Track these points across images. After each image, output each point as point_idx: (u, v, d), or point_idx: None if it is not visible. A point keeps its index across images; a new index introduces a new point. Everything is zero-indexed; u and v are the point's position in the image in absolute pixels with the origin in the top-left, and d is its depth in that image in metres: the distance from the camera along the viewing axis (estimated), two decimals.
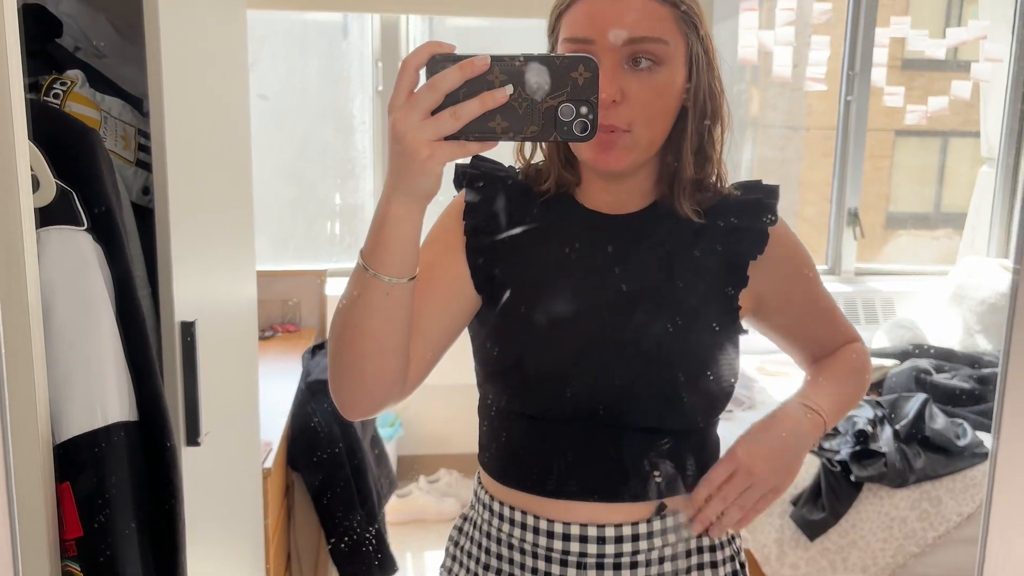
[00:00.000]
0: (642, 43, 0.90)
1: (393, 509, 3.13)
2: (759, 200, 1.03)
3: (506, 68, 0.72)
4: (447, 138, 0.73)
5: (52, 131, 0.96)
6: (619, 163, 0.94)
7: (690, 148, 0.97)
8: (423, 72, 0.74)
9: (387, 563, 2.38)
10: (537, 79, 0.73)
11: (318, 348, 2.66)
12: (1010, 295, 0.48)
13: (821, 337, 1.12)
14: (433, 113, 0.72)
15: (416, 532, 3.12)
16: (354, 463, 2.31)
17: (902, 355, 3.12)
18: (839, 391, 1.08)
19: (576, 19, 0.93)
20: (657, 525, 1.00)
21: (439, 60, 0.72)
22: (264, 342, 2.81)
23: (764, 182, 1.05)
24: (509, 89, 0.72)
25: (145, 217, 1.18)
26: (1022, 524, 0.49)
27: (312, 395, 2.32)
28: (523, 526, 1.01)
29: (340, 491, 2.26)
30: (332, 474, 2.25)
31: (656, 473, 0.99)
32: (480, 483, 1.08)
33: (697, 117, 0.97)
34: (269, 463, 1.95)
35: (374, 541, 2.33)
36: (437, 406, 3.19)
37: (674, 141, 0.99)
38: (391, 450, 3.14)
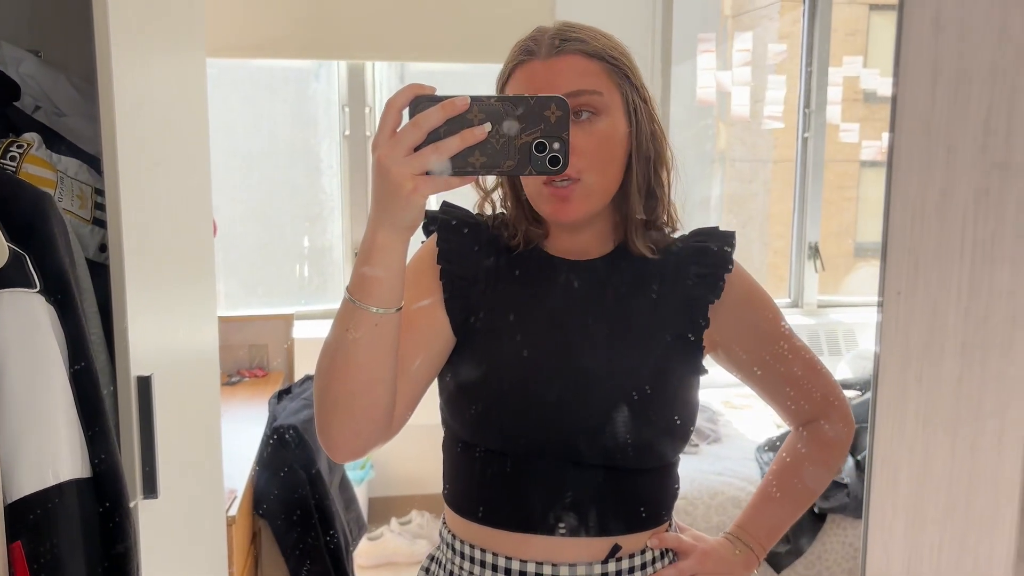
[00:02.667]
0: (578, 96, 0.97)
1: (365, 552, 3.12)
2: (714, 247, 1.08)
3: (484, 107, 0.78)
4: (429, 172, 0.78)
5: (5, 196, 0.99)
6: (576, 212, 1.00)
7: (637, 191, 1.03)
8: (406, 112, 0.79)
9: None
10: (513, 117, 0.78)
11: (284, 392, 2.67)
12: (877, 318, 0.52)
13: (799, 383, 1.13)
14: (416, 149, 0.78)
15: (388, 575, 3.11)
16: (321, 507, 2.31)
17: (864, 385, 3.18)
18: (787, 515, 1.16)
19: (518, 83, 1.00)
20: (612, 567, 1.03)
21: (422, 100, 0.78)
22: (232, 387, 2.81)
23: (721, 228, 1.10)
24: (487, 127, 0.78)
25: (102, 274, 1.20)
26: (898, 531, 0.52)
27: (279, 440, 2.33)
28: (482, 563, 1.04)
29: (307, 536, 2.26)
30: (299, 519, 2.25)
31: (609, 513, 1.03)
32: (444, 522, 1.11)
33: (641, 161, 1.03)
34: (234, 511, 1.95)
35: None
36: (408, 447, 3.19)
37: (624, 187, 1.04)
38: (362, 492, 3.14)
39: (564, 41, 0.99)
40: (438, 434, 1.10)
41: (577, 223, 1.03)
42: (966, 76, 0.49)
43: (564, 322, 1.04)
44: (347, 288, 0.88)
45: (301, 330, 3.14)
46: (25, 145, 1.16)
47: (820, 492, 1.17)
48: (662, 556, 1.08)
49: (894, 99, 0.51)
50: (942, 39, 0.49)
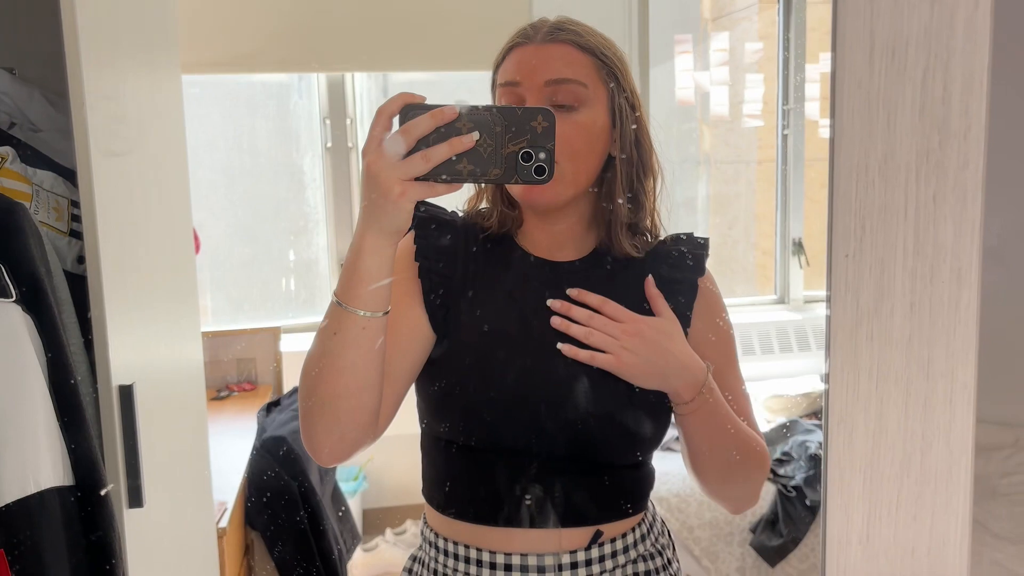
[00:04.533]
0: (562, 84, 0.99)
1: (360, 564, 3.11)
2: (689, 252, 1.10)
3: (473, 116, 0.80)
4: (417, 179, 0.80)
5: None
6: (546, 197, 1.02)
7: (622, 193, 1.05)
8: (395, 120, 0.81)
9: None
10: (501, 127, 0.80)
11: (273, 405, 2.67)
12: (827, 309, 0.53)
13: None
14: (405, 156, 0.80)
15: None
16: (313, 520, 2.31)
17: None
18: (733, 424, 1.05)
19: (508, 66, 1.03)
20: (595, 552, 1.04)
21: (412, 108, 0.80)
22: (220, 402, 2.81)
23: (701, 232, 1.13)
24: (476, 135, 0.80)
25: (81, 285, 1.21)
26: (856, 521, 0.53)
27: (268, 452, 2.33)
28: (466, 560, 1.05)
29: (299, 548, 2.26)
30: (291, 532, 2.25)
31: (589, 504, 1.03)
32: (425, 521, 1.12)
33: (625, 165, 1.04)
34: (224, 522, 1.95)
35: None
36: (400, 458, 3.19)
37: (607, 187, 1.06)
38: (356, 504, 3.13)
39: (559, 30, 1.02)
40: None
41: (546, 208, 1.05)
42: (902, 41, 0.50)
43: (540, 324, 1.05)
44: (335, 292, 0.89)
45: (288, 343, 3.14)
46: (0, 159, 1.17)
47: (751, 467, 1.09)
48: (643, 539, 1.09)
49: (833, 70, 0.52)
50: (877, 7, 0.51)
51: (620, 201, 1.05)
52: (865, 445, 0.53)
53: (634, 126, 1.05)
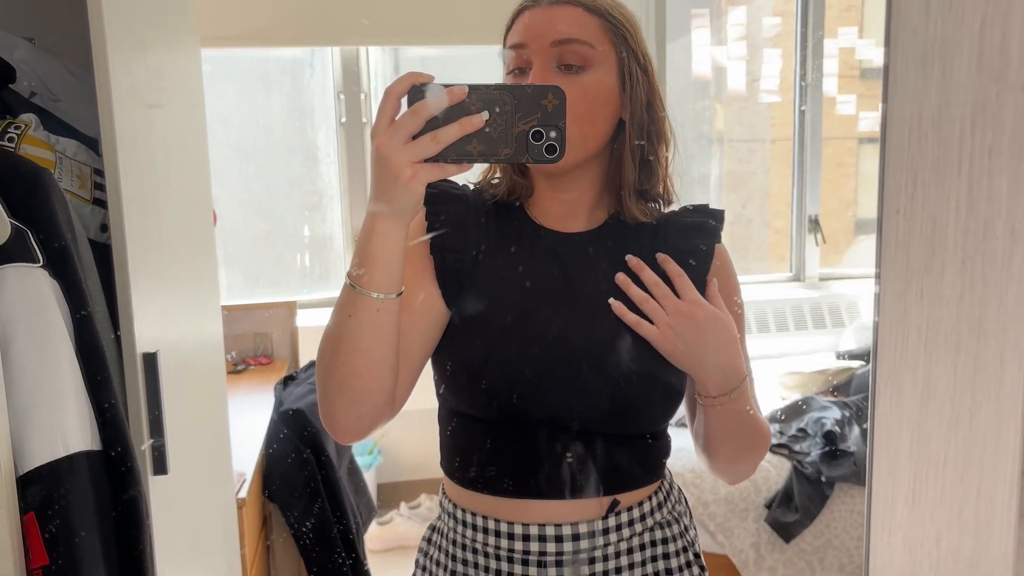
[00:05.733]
0: (568, 44, 0.98)
1: (375, 537, 3.14)
2: (705, 223, 1.09)
3: (482, 96, 0.79)
4: (427, 160, 0.79)
5: (5, 173, 0.99)
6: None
7: (631, 158, 1.03)
8: (404, 101, 0.80)
9: None
10: (510, 106, 0.79)
11: (289, 379, 2.67)
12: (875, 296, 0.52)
13: None
14: (414, 137, 0.79)
15: (399, 559, 3.13)
16: (330, 492, 2.32)
17: (867, 356, 3.19)
18: (751, 417, 1.05)
19: (516, 30, 1.02)
20: (612, 521, 1.04)
21: (420, 89, 0.79)
22: (238, 375, 2.82)
23: (720, 205, 1.11)
24: (485, 115, 0.79)
25: (104, 254, 1.20)
26: (899, 511, 0.53)
27: (285, 425, 2.34)
28: (484, 530, 1.05)
29: (317, 520, 2.27)
30: (308, 504, 2.26)
31: (607, 474, 1.03)
32: (444, 492, 1.12)
33: (635, 129, 1.03)
34: (243, 493, 1.96)
35: (354, 568, 2.34)
36: (415, 432, 3.22)
37: (616, 152, 1.04)
38: (371, 478, 3.15)
39: None
40: None
41: (558, 171, 1.04)
42: None
43: (553, 294, 1.04)
44: (348, 274, 0.89)
45: (304, 319, 3.15)
46: (23, 126, 1.16)
47: (759, 446, 1.09)
48: (660, 507, 1.09)
49: (888, 18, 0.51)
50: None
51: (629, 165, 1.03)
52: (913, 404, 0.52)
53: (645, 89, 1.03)
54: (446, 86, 0.78)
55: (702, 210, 1.11)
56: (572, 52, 0.98)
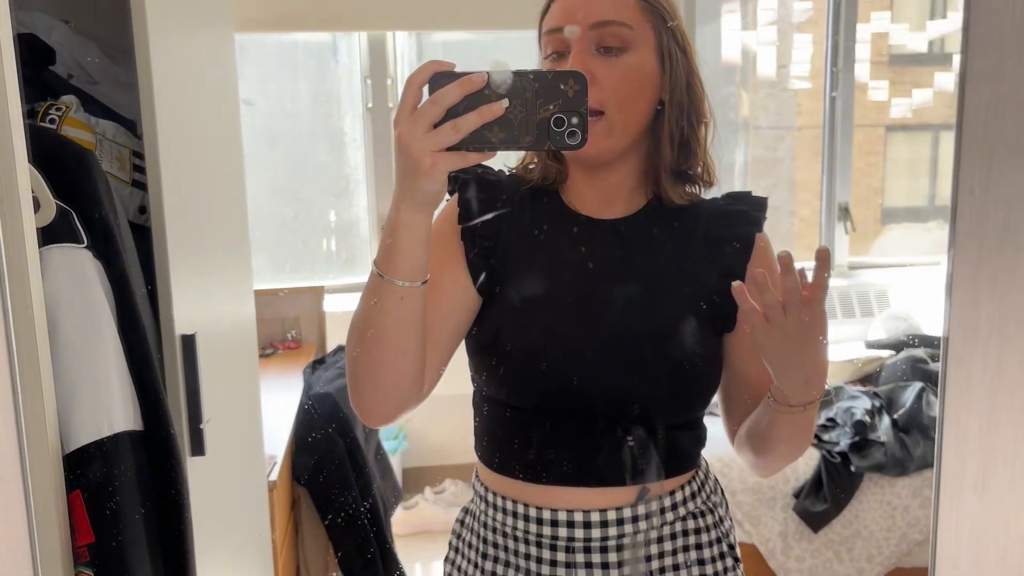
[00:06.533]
0: (606, 27, 0.96)
1: (400, 521, 3.15)
2: (748, 211, 1.07)
3: (502, 83, 0.78)
4: (448, 149, 0.79)
5: (50, 154, 1.00)
6: (595, 147, 0.98)
7: (669, 139, 1.01)
8: (426, 89, 0.79)
9: (394, 572, 2.40)
10: (531, 93, 0.78)
11: (318, 363, 2.69)
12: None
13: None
14: (436, 126, 0.79)
15: (424, 543, 3.14)
16: (358, 475, 2.34)
17: (898, 346, 3.15)
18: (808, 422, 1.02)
19: (552, 14, 1.00)
20: (641, 509, 1.04)
21: (440, 77, 0.78)
22: (265, 359, 2.84)
23: (753, 193, 1.09)
24: (505, 103, 0.78)
25: (143, 236, 1.21)
26: (968, 488, 0.52)
27: (314, 409, 2.35)
28: (514, 514, 1.05)
29: (345, 504, 2.28)
30: (337, 487, 2.28)
31: (642, 462, 1.03)
32: (477, 476, 1.12)
33: (675, 110, 1.01)
34: (274, 476, 1.97)
35: (381, 551, 2.35)
36: (440, 417, 3.22)
37: (655, 134, 1.03)
38: (396, 463, 3.17)
39: None
40: (470, 404, 1.12)
41: (597, 162, 1.02)
42: None
43: (587, 280, 1.03)
44: (374, 262, 0.89)
45: (331, 303, 3.16)
46: (64, 107, 1.17)
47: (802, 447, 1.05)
48: (693, 496, 1.08)
49: None
50: None
51: (667, 147, 1.01)
52: (983, 389, 0.51)
53: (684, 70, 1.01)
54: (466, 74, 0.78)
55: (744, 198, 1.09)
56: (611, 34, 0.97)
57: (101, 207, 1.01)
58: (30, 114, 1.19)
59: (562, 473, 1.02)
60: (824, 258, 0.88)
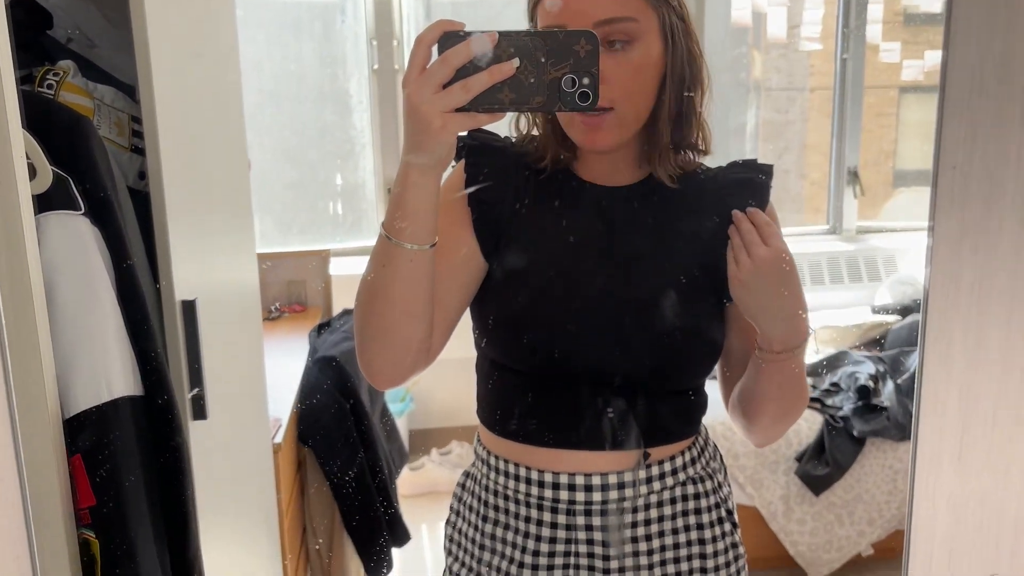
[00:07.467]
0: (611, 24, 0.94)
1: (407, 482, 3.19)
2: (753, 178, 1.07)
3: (513, 43, 0.77)
4: (458, 110, 0.78)
5: (46, 120, 1.00)
6: (607, 142, 0.99)
7: (668, 114, 1.01)
8: (435, 49, 0.79)
9: (400, 532, 2.44)
10: (541, 53, 0.77)
11: (324, 326, 2.70)
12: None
13: None
14: (445, 87, 0.78)
15: (430, 504, 3.18)
16: (363, 436, 2.36)
17: (904, 311, 3.15)
18: (802, 379, 1.05)
19: (550, 9, 0.97)
20: (642, 473, 1.05)
21: (450, 37, 0.78)
22: (271, 323, 2.86)
23: (760, 160, 1.09)
24: (516, 63, 0.77)
25: (142, 201, 1.21)
26: (946, 455, 0.52)
27: (320, 372, 2.37)
28: (516, 477, 1.06)
29: (351, 465, 2.31)
30: (342, 449, 2.30)
31: (643, 427, 1.04)
32: (479, 439, 1.14)
33: (675, 83, 1.00)
34: (279, 438, 2.00)
35: (387, 512, 2.38)
36: (447, 380, 3.24)
37: (655, 110, 1.02)
38: (403, 425, 3.20)
39: None
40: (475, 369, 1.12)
41: (609, 151, 1.02)
42: None
43: (593, 246, 1.04)
44: (382, 225, 0.89)
45: (337, 267, 3.16)
46: (61, 73, 1.17)
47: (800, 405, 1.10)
48: (693, 462, 1.09)
49: None
50: None
51: (664, 122, 1.01)
52: (962, 361, 0.52)
53: (685, 40, 1.00)
54: (476, 33, 0.77)
55: (750, 165, 1.09)
56: (617, 31, 0.94)
57: (98, 174, 1.02)
58: (27, 80, 1.18)
59: (562, 437, 1.04)
60: (756, 216, 0.98)
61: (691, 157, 1.07)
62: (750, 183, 1.06)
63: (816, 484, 2.59)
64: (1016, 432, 0.51)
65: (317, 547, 2.35)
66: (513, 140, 1.11)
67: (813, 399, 2.71)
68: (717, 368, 1.13)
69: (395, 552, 2.48)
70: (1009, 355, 0.51)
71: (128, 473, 0.98)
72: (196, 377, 1.25)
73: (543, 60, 0.78)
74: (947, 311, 0.51)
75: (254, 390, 1.77)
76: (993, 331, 0.51)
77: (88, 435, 0.95)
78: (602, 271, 1.03)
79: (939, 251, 0.50)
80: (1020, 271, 0.50)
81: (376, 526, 2.35)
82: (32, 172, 0.95)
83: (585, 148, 1.02)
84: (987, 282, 0.51)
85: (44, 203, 0.96)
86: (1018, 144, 0.49)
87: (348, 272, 3.13)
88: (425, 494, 3.24)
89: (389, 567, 2.44)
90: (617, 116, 0.97)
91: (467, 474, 1.18)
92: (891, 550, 2.70)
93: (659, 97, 1.00)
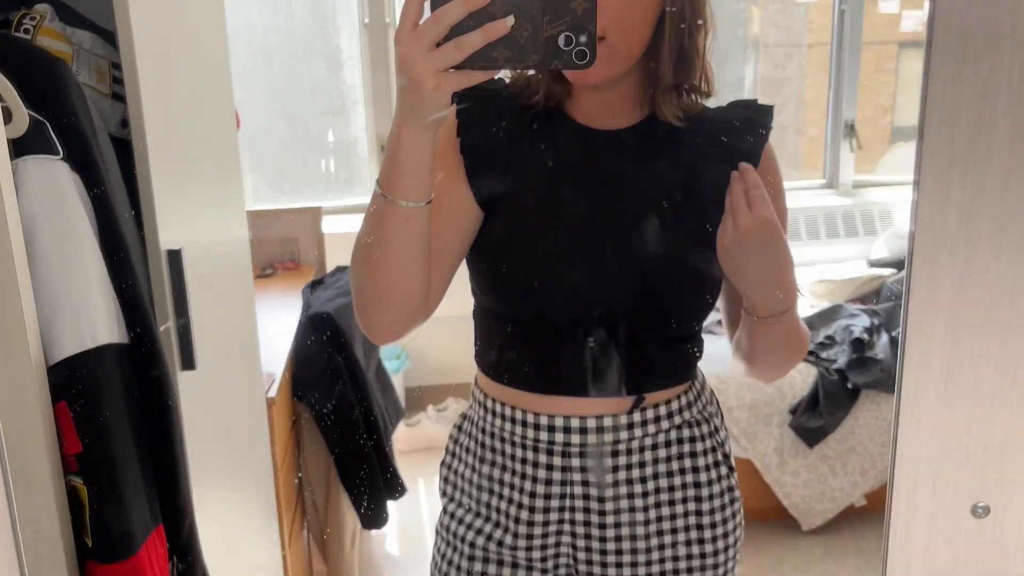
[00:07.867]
0: None
1: (403, 438, 3.21)
2: (753, 119, 1.05)
3: (508, 0, 0.75)
4: (452, 68, 0.76)
5: (19, 62, 0.98)
6: (598, 75, 0.96)
7: (669, 52, 0.98)
8: (427, 5, 0.77)
9: (394, 484, 2.45)
10: (537, 10, 0.75)
11: (317, 283, 2.69)
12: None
13: None
14: (438, 45, 0.76)
15: (426, 460, 3.20)
16: (359, 393, 2.36)
17: (899, 264, 3.14)
18: (798, 330, 1.06)
19: None
20: (637, 417, 1.05)
21: None
22: (265, 280, 2.85)
23: (760, 101, 1.07)
24: (511, 20, 0.75)
25: (125, 150, 1.19)
26: (929, 400, 0.51)
27: (313, 328, 2.36)
28: (512, 420, 1.07)
29: (346, 420, 2.32)
30: (337, 404, 2.31)
31: (634, 371, 1.03)
32: (476, 382, 1.14)
33: (676, 20, 0.97)
34: (272, 393, 2.00)
35: (382, 465, 2.40)
36: (443, 337, 3.24)
37: (655, 47, 0.99)
38: (399, 382, 3.20)
39: None
40: (471, 324, 1.12)
41: (600, 85, 1.00)
42: None
43: (589, 190, 1.02)
44: (377, 183, 0.88)
45: (330, 224, 3.14)
46: (38, 17, 1.14)
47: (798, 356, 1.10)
48: (689, 406, 1.09)
49: None
50: None
51: (666, 63, 0.98)
52: (949, 289, 0.51)
53: None
54: None
55: (749, 106, 1.07)
56: None
57: (76, 117, 0.99)
58: (3, 24, 1.16)
59: (558, 381, 1.04)
60: (749, 174, 0.96)
61: (694, 99, 1.04)
62: (749, 124, 1.05)
63: (810, 436, 2.60)
64: (1002, 360, 0.51)
65: (313, 500, 2.37)
66: (506, 80, 1.09)
67: (808, 353, 2.72)
68: (721, 312, 1.13)
69: (391, 505, 2.49)
70: (996, 283, 0.50)
71: (114, 420, 0.98)
72: (184, 326, 1.24)
73: (539, 17, 0.75)
74: (935, 239, 0.50)
75: (246, 344, 1.76)
76: (981, 257, 0.50)
77: (72, 382, 0.94)
78: (595, 215, 1.02)
79: (927, 175, 0.49)
80: (1010, 197, 0.49)
81: (372, 481, 2.36)
82: (7, 116, 0.93)
83: (575, 81, 1.00)
84: (976, 209, 0.49)
85: (20, 148, 0.94)
86: (1010, 62, 0.47)
87: (341, 230, 3.11)
88: (422, 450, 3.25)
89: (385, 520, 2.46)
90: (608, 47, 0.93)
91: (464, 416, 1.18)
92: (884, 500, 2.72)
93: (657, 32, 0.98)
